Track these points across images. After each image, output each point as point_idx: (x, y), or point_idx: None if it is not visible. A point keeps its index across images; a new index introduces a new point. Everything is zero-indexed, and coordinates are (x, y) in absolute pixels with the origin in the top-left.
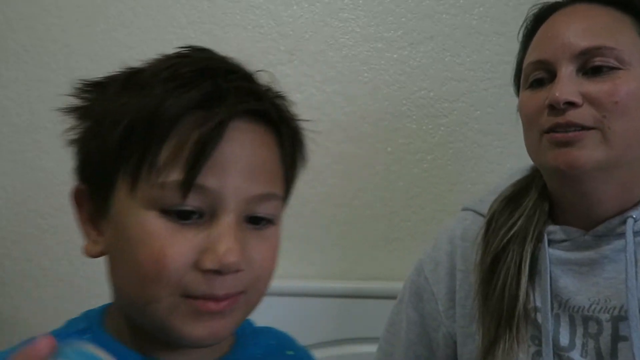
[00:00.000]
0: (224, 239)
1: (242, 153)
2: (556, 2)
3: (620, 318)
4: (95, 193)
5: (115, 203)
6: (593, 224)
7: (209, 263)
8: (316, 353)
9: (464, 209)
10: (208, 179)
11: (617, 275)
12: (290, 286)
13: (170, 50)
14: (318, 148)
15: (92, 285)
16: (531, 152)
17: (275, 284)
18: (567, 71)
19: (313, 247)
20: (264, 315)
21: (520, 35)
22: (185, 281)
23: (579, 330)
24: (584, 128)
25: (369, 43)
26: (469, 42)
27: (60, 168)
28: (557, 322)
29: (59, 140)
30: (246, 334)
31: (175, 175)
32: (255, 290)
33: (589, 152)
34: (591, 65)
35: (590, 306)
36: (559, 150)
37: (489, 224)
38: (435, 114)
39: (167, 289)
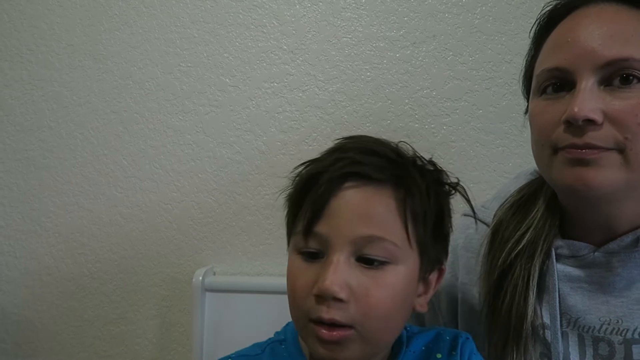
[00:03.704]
0: (326, 271)
1: (348, 205)
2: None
3: (634, 341)
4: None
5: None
6: (604, 239)
7: (315, 289)
8: None
9: (466, 215)
10: (320, 227)
11: (630, 294)
12: None
13: (173, 49)
14: (320, 147)
15: (95, 283)
16: (541, 166)
17: (280, 282)
18: (588, 83)
19: None
20: (269, 314)
21: (532, 33)
22: (307, 306)
23: (589, 352)
24: (602, 149)
25: (372, 42)
26: (471, 41)
27: (64, 167)
28: (566, 340)
29: (63, 139)
30: (401, 341)
31: (300, 226)
32: (365, 327)
33: (607, 173)
34: (617, 78)
35: (601, 327)
36: (575, 169)
37: (494, 234)
38: (437, 113)
39: (299, 313)
